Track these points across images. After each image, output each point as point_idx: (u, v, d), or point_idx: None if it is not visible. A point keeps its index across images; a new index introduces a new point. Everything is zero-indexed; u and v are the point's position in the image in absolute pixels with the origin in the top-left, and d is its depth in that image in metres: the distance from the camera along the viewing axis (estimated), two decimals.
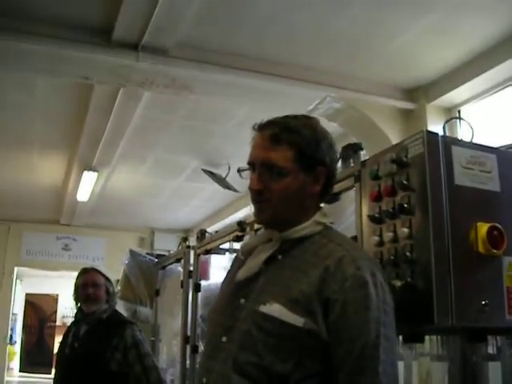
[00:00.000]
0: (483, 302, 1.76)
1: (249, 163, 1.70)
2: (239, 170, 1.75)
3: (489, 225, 1.80)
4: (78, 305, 3.71)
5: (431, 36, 4.64)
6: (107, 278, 3.70)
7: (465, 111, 5.50)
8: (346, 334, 1.49)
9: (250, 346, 1.54)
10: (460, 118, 5.15)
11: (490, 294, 1.80)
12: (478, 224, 1.81)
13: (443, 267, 1.73)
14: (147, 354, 3.58)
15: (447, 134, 4.72)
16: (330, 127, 5.68)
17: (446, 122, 3.07)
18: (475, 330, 1.94)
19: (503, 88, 5.05)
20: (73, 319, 3.87)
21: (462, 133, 4.57)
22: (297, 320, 1.51)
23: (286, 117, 1.70)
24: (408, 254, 1.79)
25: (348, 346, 1.48)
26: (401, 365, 3.48)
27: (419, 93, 5.56)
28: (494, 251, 1.80)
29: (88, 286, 3.63)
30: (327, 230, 1.69)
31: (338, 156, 1.89)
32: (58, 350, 3.74)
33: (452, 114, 5.52)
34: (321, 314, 1.51)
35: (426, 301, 1.71)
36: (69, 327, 3.78)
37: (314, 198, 1.71)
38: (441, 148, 1.83)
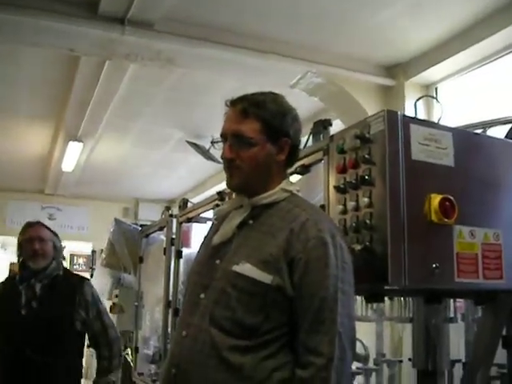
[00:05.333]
0: (434, 265, 1.93)
1: (221, 135, 1.89)
2: (213, 142, 1.96)
3: (441, 196, 1.98)
4: (21, 261, 3.46)
5: (411, 14, 4.75)
6: (54, 233, 3.54)
7: (442, 88, 5.65)
8: (307, 289, 1.69)
9: (225, 302, 1.74)
10: (433, 97, 5.30)
11: (440, 258, 1.97)
12: (432, 195, 1.98)
13: (398, 233, 1.90)
14: (105, 311, 3.61)
15: (424, 110, 4.91)
16: (311, 101, 5.84)
17: (418, 99, 3.23)
18: (428, 291, 2.14)
19: (481, 66, 5.19)
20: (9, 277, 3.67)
21: (438, 110, 4.73)
22: (266, 278, 1.70)
23: (255, 93, 1.89)
24: (368, 221, 1.96)
25: (309, 299, 1.68)
26: (371, 327, 3.71)
27: (398, 70, 5.69)
28: (446, 220, 1.98)
29: (34, 240, 3.42)
30: (293, 196, 1.89)
31: (309, 131, 2.06)
32: (6, 311, 3.39)
33: (429, 91, 5.66)
34: (287, 271, 1.71)
35: (381, 263, 1.89)
36: (12, 286, 3.43)
37: (280, 167, 1.90)
38: (400, 126, 2.00)
